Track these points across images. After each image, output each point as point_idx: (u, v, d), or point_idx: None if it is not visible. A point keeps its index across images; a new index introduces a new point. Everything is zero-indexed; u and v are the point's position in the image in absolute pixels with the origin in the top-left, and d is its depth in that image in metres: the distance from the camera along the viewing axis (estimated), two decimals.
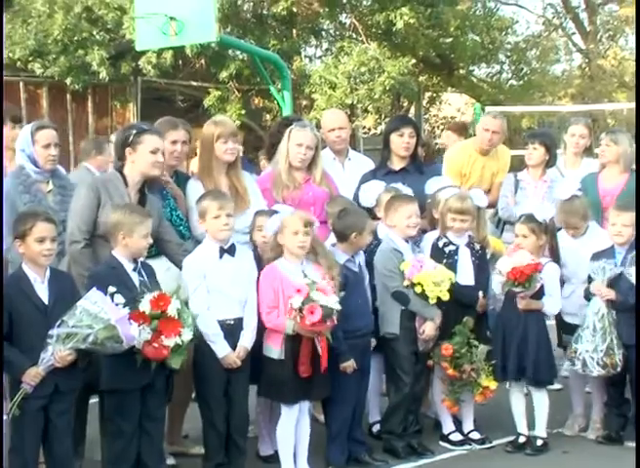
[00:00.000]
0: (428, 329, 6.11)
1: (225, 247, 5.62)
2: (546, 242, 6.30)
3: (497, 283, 6.20)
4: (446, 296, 6.03)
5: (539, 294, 6.20)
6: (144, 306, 5.05)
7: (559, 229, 6.57)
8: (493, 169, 8.03)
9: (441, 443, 6.38)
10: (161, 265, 5.69)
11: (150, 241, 5.37)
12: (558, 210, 6.56)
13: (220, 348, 5.51)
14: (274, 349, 5.59)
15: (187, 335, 5.13)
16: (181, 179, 6.33)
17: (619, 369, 6.05)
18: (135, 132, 5.77)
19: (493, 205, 7.64)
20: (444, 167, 7.93)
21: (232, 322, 5.56)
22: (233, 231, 5.70)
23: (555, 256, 6.36)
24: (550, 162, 7.55)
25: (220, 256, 5.59)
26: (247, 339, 5.58)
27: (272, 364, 5.60)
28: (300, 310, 5.38)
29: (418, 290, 6.02)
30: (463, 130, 10.33)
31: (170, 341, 5.05)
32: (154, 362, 5.10)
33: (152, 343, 5.03)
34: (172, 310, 5.09)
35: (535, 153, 7.49)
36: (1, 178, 5.85)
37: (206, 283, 5.50)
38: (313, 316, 5.37)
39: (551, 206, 6.57)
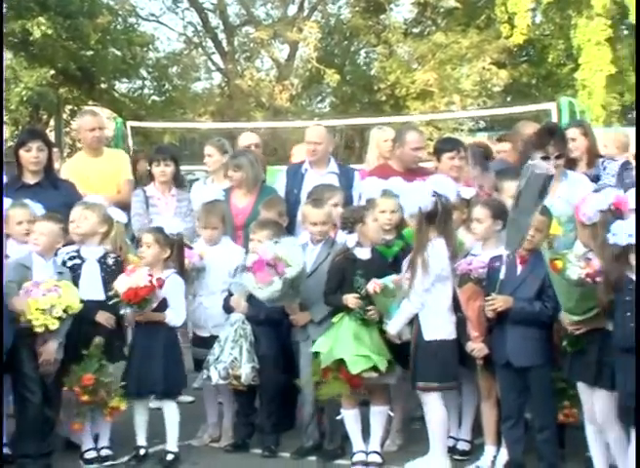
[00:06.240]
0: (46, 352, 5.95)
1: None
2: (172, 255, 6.35)
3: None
4: (55, 325, 5.83)
5: (163, 306, 6.23)
6: None
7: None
8: (114, 167, 8.09)
9: (80, 462, 6.24)
10: None
11: None
12: (200, 212, 6.82)
13: None
14: None
15: None
16: None
17: (243, 380, 6.22)
18: None
19: (125, 202, 7.53)
20: (64, 176, 7.81)
21: None
22: None
23: (182, 270, 6.44)
24: (177, 176, 7.68)
25: None
26: None
27: None
28: None
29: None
30: None
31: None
32: None
33: None
34: None
35: (167, 170, 7.55)
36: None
37: None
38: None
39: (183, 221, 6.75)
